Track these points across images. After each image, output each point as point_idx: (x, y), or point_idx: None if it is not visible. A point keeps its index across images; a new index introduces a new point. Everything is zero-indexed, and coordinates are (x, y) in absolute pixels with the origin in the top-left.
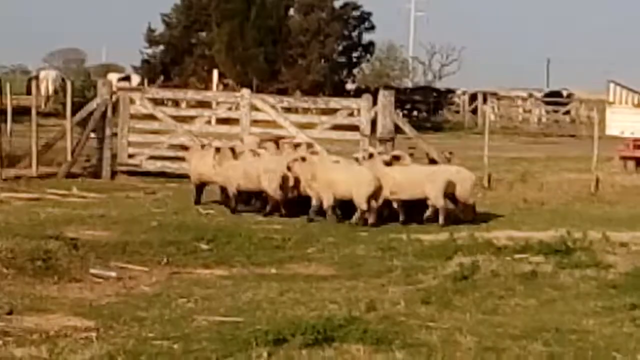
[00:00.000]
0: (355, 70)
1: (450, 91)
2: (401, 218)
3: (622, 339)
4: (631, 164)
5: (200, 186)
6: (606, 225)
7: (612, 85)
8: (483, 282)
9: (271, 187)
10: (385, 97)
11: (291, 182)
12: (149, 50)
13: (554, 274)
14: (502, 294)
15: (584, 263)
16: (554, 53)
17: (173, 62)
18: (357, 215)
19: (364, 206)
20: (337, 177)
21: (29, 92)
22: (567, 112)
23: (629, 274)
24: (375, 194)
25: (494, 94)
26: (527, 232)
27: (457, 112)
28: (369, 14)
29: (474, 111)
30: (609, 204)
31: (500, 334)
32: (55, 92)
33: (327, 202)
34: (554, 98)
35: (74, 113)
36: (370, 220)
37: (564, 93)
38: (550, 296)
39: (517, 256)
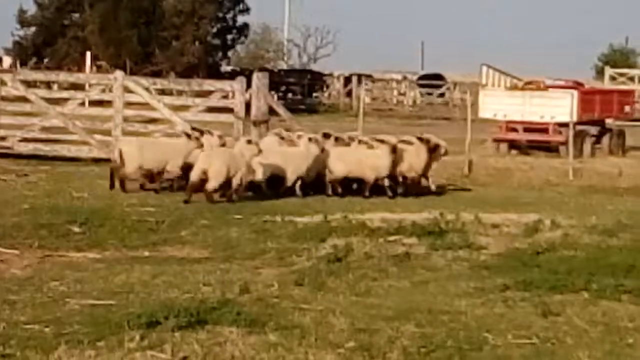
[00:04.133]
0: (230, 53)
1: (325, 74)
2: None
3: (493, 319)
4: (504, 147)
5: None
6: (479, 207)
7: (485, 68)
8: (356, 263)
9: None
10: (259, 80)
11: None
12: (21, 32)
13: (426, 255)
14: (375, 275)
15: (457, 244)
16: (428, 36)
17: (45, 43)
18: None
19: None
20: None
21: None
22: (442, 95)
23: (500, 255)
24: None
25: (369, 77)
26: (400, 214)
27: (332, 94)
28: None
29: (349, 93)
30: (482, 186)
31: (373, 316)
32: None
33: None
34: (430, 80)
35: None
36: None
37: (445, 76)
38: (423, 277)
39: (390, 238)
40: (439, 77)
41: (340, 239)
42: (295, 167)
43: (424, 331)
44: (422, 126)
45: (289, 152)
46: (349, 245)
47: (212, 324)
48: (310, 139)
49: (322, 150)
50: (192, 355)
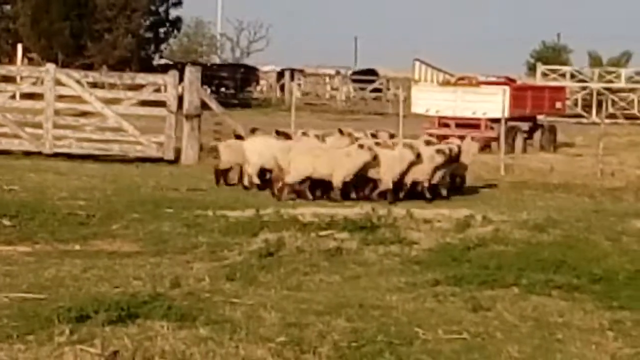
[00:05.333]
0: (162, 46)
1: (258, 68)
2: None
3: (424, 314)
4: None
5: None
6: (411, 202)
7: (417, 63)
8: (288, 258)
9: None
10: (191, 73)
11: None
12: None
13: (358, 250)
14: (306, 270)
15: (388, 240)
16: (362, 31)
17: None
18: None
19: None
20: None
21: None
22: (375, 90)
23: (432, 251)
24: None
25: (302, 71)
26: (332, 209)
27: (265, 88)
28: None
29: (282, 88)
30: None
31: (304, 310)
32: None
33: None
34: (364, 76)
35: None
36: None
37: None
38: (354, 272)
39: (322, 233)
40: (372, 72)
41: (272, 233)
42: (390, 170)
43: (355, 326)
44: (355, 121)
45: (384, 155)
46: (280, 239)
47: (142, 318)
48: (405, 145)
49: (418, 155)
50: (122, 350)
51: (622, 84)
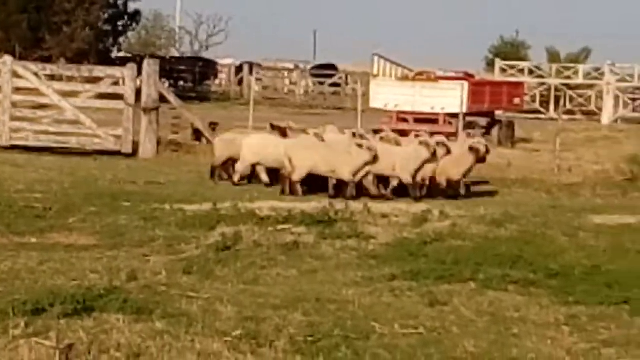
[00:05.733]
0: (121, 39)
1: (217, 62)
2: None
3: (381, 308)
4: None
5: None
6: (368, 196)
7: (376, 58)
8: (245, 252)
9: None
10: (150, 67)
11: None
12: None
13: (315, 244)
14: (264, 264)
15: (346, 234)
16: (321, 26)
17: None
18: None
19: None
20: None
21: None
22: (335, 85)
23: (389, 245)
24: None
25: (260, 65)
26: (290, 203)
27: (223, 82)
28: None
29: (240, 82)
30: None
31: (261, 304)
32: None
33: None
34: (323, 70)
35: None
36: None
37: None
38: (311, 266)
39: (279, 227)
40: (332, 67)
41: (229, 227)
42: (406, 167)
43: (312, 320)
44: (314, 115)
45: (398, 152)
46: (237, 233)
47: (98, 311)
48: (421, 142)
49: (434, 154)
50: (77, 343)
51: (580, 80)
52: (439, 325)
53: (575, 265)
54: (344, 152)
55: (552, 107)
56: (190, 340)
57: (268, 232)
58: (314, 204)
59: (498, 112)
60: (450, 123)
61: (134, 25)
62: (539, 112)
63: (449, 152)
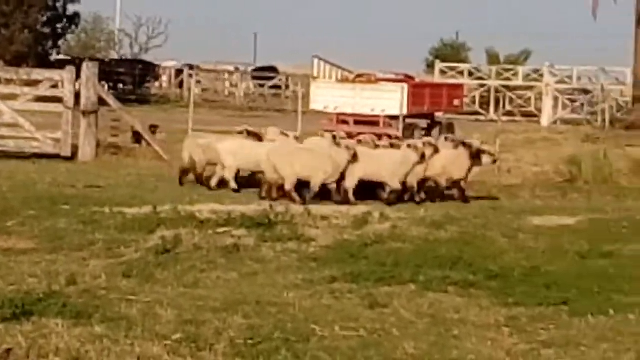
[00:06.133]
0: (60, 42)
1: (157, 65)
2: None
3: (321, 311)
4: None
5: None
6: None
7: (316, 60)
8: (185, 255)
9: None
10: (89, 69)
11: None
12: None
13: (255, 247)
14: (203, 267)
15: (286, 236)
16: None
17: None
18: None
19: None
20: None
21: None
22: (275, 87)
23: (329, 247)
24: None
25: (200, 68)
26: (230, 206)
27: (163, 85)
28: None
29: (181, 84)
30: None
31: (201, 307)
32: None
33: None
34: (264, 72)
35: None
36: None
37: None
38: (251, 269)
39: (219, 230)
40: (273, 69)
41: (169, 230)
42: (395, 173)
43: (252, 323)
44: (254, 118)
45: (385, 157)
46: (177, 236)
47: (37, 315)
48: (409, 146)
49: (423, 156)
50: (16, 347)
51: (519, 81)
52: (379, 327)
53: (514, 266)
54: (325, 156)
55: (492, 108)
56: (129, 344)
57: (208, 235)
58: (254, 207)
59: (438, 114)
60: (390, 125)
61: (73, 27)
62: (479, 113)
63: (436, 151)
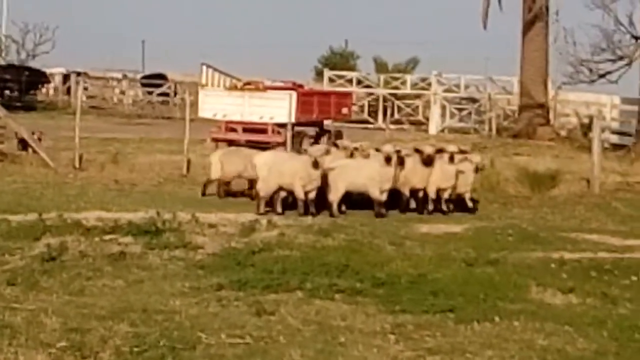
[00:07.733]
0: None
1: (45, 71)
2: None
3: (208, 318)
4: (223, 146)
5: None
6: (196, 207)
7: (204, 68)
8: (71, 263)
9: None
10: None
11: None
12: None
13: (142, 254)
14: (90, 274)
15: (173, 244)
16: (149, 35)
17: None
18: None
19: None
20: None
21: None
22: (164, 94)
23: (216, 255)
24: None
25: (88, 75)
26: (117, 213)
27: (50, 92)
28: None
29: (68, 91)
30: (200, 185)
31: (86, 315)
32: None
33: None
34: (152, 80)
35: None
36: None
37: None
38: (138, 277)
39: (106, 237)
40: (162, 76)
41: (54, 237)
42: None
43: (138, 330)
44: (142, 125)
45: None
46: (63, 244)
47: None
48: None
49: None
50: None
51: (407, 90)
52: (266, 334)
53: (401, 274)
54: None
55: (380, 116)
56: (13, 352)
57: (94, 242)
58: (141, 214)
59: (327, 122)
60: (279, 133)
61: None
62: (367, 122)
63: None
